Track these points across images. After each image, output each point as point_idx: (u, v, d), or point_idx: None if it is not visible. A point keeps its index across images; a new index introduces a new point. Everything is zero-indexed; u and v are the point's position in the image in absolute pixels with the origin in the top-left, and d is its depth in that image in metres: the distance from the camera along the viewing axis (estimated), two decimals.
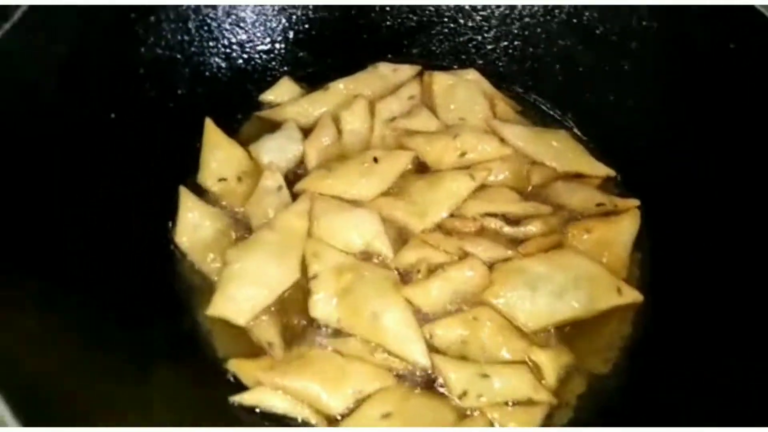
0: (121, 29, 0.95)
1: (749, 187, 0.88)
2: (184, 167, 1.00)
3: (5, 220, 0.73)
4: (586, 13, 1.07)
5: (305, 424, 0.78)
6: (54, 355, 0.67)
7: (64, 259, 0.78)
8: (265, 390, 0.77)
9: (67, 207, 0.82)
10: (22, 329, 0.66)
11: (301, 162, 1.03)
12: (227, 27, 1.08)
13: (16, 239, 0.73)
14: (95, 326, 0.76)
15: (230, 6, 1.06)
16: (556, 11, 1.10)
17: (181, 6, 1.01)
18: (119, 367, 0.73)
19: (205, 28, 1.05)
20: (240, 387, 0.80)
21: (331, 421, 0.78)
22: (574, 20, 1.09)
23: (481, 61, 1.17)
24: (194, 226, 0.92)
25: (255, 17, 1.10)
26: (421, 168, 1.03)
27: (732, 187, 0.90)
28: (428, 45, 1.19)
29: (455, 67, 1.16)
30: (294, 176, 1.00)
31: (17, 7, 0.80)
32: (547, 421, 0.80)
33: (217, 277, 0.88)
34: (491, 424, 0.79)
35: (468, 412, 0.79)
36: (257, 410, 0.78)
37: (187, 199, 0.94)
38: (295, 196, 0.96)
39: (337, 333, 0.85)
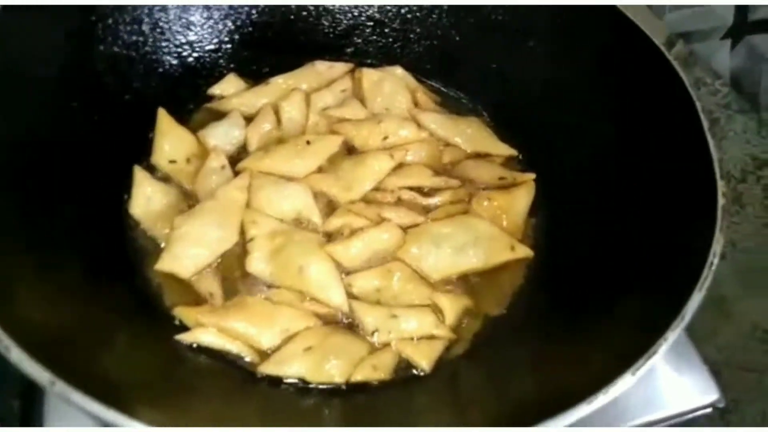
0: (82, 30, 1.08)
1: (621, 163, 1.04)
2: (140, 151, 1.12)
3: None
4: (493, 17, 1.24)
5: (239, 357, 0.91)
6: (42, 304, 0.79)
7: (37, 227, 0.90)
8: (205, 330, 0.90)
9: (40, 185, 0.93)
10: (16, 278, 0.78)
11: (244, 146, 1.16)
12: (178, 29, 1.21)
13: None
14: (67, 283, 0.87)
15: (180, 10, 1.20)
16: (469, 17, 1.26)
17: (136, 10, 1.14)
18: (88, 315, 0.85)
19: (158, 29, 1.18)
20: (185, 329, 0.93)
21: (261, 354, 0.92)
22: (483, 23, 1.25)
23: (406, 59, 1.32)
24: (147, 198, 1.04)
25: (203, 20, 1.23)
26: (350, 151, 1.18)
27: (609, 164, 1.06)
28: (360, 45, 1.34)
29: (384, 64, 1.31)
30: (237, 159, 1.13)
31: None
32: (445, 353, 0.95)
33: (165, 240, 1.01)
34: (398, 355, 0.93)
35: (378, 346, 0.94)
36: (195, 346, 0.91)
37: (140, 177, 1.06)
38: (237, 175, 1.10)
39: (271, 287, 0.99)
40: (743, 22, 1.46)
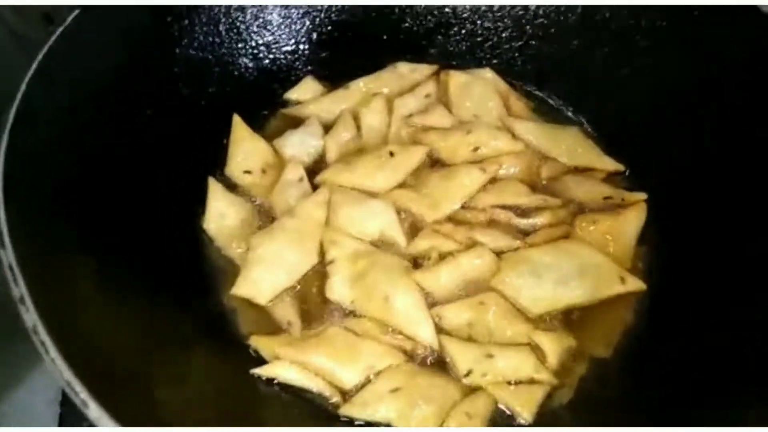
0: (157, 31, 1.03)
1: (751, 185, 0.91)
2: (214, 160, 1.07)
3: (59, 209, 0.80)
4: (598, 14, 1.11)
5: (320, 395, 0.84)
6: (106, 327, 0.74)
7: (112, 242, 0.85)
8: (283, 363, 0.83)
9: (112, 196, 0.89)
10: (78, 303, 0.73)
11: (322, 156, 1.09)
12: (255, 29, 1.15)
13: (73, 225, 0.80)
14: (136, 305, 0.82)
15: (258, 9, 1.13)
16: (569, 13, 1.14)
17: (213, 9, 1.08)
18: (156, 342, 0.80)
19: (235, 30, 1.12)
20: (261, 361, 0.86)
21: (344, 393, 0.84)
22: (586, 20, 1.12)
23: (496, 61, 1.21)
24: (221, 214, 0.98)
25: (281, 20, 1.16)
26: (435, 163, 1.08)
27: (734, 186, 0.93)
28: (445, 45, 1.23)
29: (471, 66, 1.20)
30: (315, 169, 1.06)
31: (70, 9, 0.88)
32: (548, 401, 0.84)
33: (241, 261, 0.94)
34: (494, 401, 0.83)
35: (472, 390, 0.84)
36: (275, 382, 0.84)
37: (214, 189, 1.01)
38: (315, 188, 1.02)
39: (352, 314, 0.91)
40: None
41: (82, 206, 0.84)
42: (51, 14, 1.16)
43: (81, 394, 0.60)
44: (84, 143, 0.88)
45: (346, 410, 0.82)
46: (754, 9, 0.91)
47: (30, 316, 0.63)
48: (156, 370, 0.75)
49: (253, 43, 1.15)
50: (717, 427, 0.68)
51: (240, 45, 1.14)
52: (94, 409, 0.60)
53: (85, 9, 0.90)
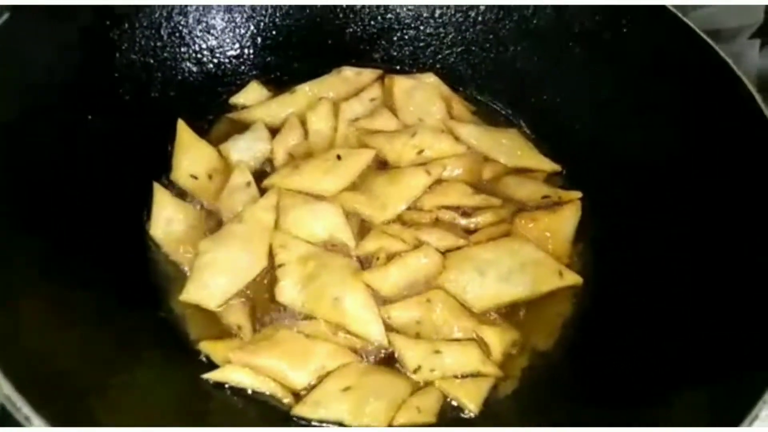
0: (96, 35, 1.01)
1: (681, 181, 0.96)
2: (159, 166, 1.05)
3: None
4: (534, 20, 1.16)
5: (272, 397, 0.84)
6: (50, 336, 0.73)
7: (55, 250, 0.84)
8: (234, 368, 0.84)
9: (53, 203, 0.87)
10: (20, 313, 0.71)
11: (269, 160, 1.09)
12: (198, 33, 1.14)
13: (14, 233, 0.79)
14: (78, 313, 0.81)
15: (200, 13, 1.12)
16: (506, 19, 1.18)
17: (154, 13, 1.07)
18: (106, 347, 0.79)
19: (177, 34, 1.11)
20: (212, 366, 0.86)
21: (296, 394, 0.85)
22: (523, 26, 1.17)
23: (438, 66, 1.24)
24: (167, 219, 0.97)
25: (224, 24, 1.16)
26: (382, 165, 1.10)
27: (666, 182, 0.99)
28: (389, 50, 1.26)
29: (415, 71, 1.23)
30: (262, 174, 1.06)
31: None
32: (493, 392, 0.87)
33: (189, 266, 0.94)
34: (443, 395, 0.86)
35: (421, 385, 0.87)
36: (227, 386, 0.84)
37: (160, 195, 0.99)
38: (263, 192, 1.02)
39: (302, 316, 0.92)
40: None
41: (22, 215, 0.82)
42: None
43: (23, 409, 0.59)
44: (21, 150, 0.86)
45: (298, 410, 0.83)
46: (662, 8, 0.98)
47: None
48: (105, 379, 0.74)
49: (197, 47, 1.14)
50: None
51: (183, 49, 1.13)
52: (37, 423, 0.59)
53: (16, 10, 0.87)
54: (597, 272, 1.00)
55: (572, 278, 0.98)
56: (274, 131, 1.12)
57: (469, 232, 1.02)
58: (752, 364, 0.72)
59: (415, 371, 0.87)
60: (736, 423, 0.65)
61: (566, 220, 1.03)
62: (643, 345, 0.87)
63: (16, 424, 0.61)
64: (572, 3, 1.09)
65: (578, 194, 1.06)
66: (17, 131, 0.86)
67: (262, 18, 1.19)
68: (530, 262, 0.97)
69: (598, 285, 0.98)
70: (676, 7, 0.99)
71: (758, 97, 0.89)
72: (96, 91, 1.00)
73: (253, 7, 1.17)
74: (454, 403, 0.87)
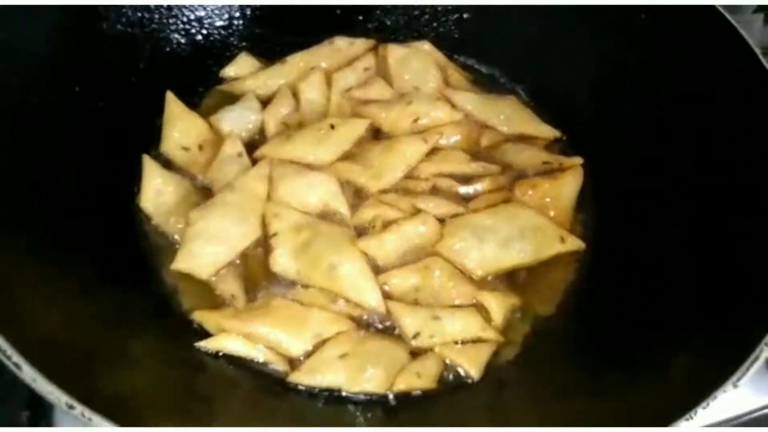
0: (82, 6, 0.98)
1: (681, 147, 0.94)
2: (148, 138, 1.03)
3: None
4: None
5: (267, 365, 0.82)
6: (42, 308, 0.71)
7: (46, 224, 0.82)
8: (228, 335, 0.82)
9: (43, 176, 0.85)
10: (22, 291, 0.70)
11: (261, 131, 1.06)
12: (186, 4, 1.11)
13: (5, 207, 0.77)
14: (74, 287, 0.78)
15: None
16: None
17: None
18: (99, 323, 0.77)
19: (164, 5, 1.08)
20: (206, 336, 0.83)
21: (292, 362, 0.83)
22: None
23: (434, 34, 1.21)
24: (157, 191, 0.95)
25: None
26: (377, 135, 1.08)
27: (666, 147, 0.96)
28: (383, 19, 1.23)
29: (409, 39, 1.20)
30: (253, 145, 1.04)
31: None
32: (494, 358, 0.85)
33: (180, 237, 0.91)
34: (443, 361, 0.84)
35: (420, 352, 0.85)
36: (221, 354, 0.82)
37: (150, 167, 0.97)
38: (254, 163, 1.00)
39: (296, 285, 0.89)
40: None
41: (14, 188, 0.80)
42: None
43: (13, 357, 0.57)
44: (9, 123, 0.84)
45: (294, 378, 0.81)
46: None
47: None
48: (100, 350, 0.72)
49: (185, 19, 1.12)
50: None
51: (171, 20, 1.10)
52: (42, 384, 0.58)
53: None
54: (599, 237, 0.98)
55: (575, 243, 0.95)
56: (265, 103, 1.09)
57: (467, 200, 1.00)
58: (750, 326, 0.70)
59: (414, 337, 0.85)
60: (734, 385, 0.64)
61: (567, 186, 1.01)
62: (645, 310, 0.85)
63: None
64: None
65: (580, 160, 1.04)
66: (4, 104, 0.84)
67: None
68: (530, 227, 0.95)
69: (600, 250, 0.96)
70: None
71: (763, 60, 0.86)
72: (83, 63, 0.98)
73: None
74: (456, 370, 0.84)
